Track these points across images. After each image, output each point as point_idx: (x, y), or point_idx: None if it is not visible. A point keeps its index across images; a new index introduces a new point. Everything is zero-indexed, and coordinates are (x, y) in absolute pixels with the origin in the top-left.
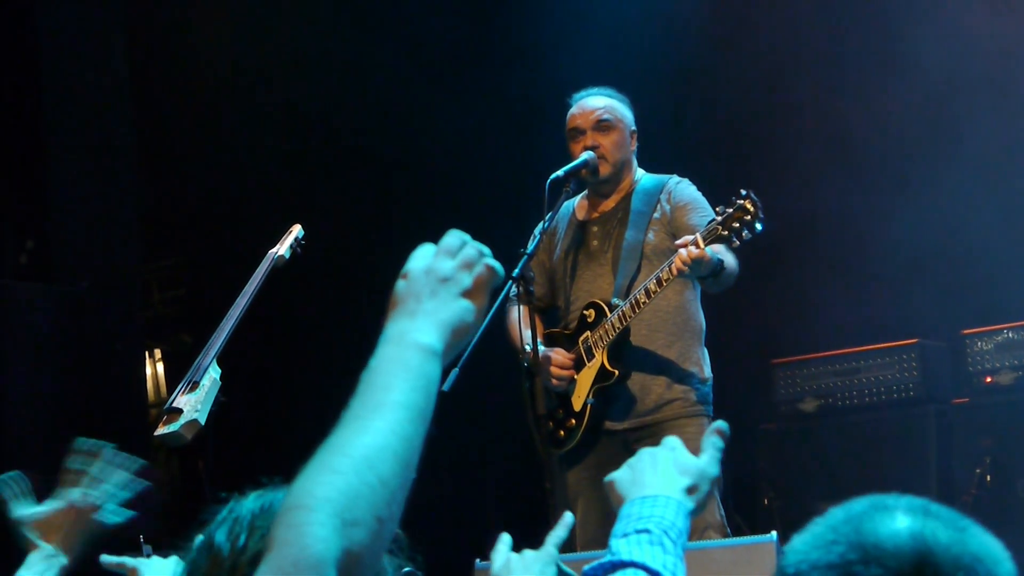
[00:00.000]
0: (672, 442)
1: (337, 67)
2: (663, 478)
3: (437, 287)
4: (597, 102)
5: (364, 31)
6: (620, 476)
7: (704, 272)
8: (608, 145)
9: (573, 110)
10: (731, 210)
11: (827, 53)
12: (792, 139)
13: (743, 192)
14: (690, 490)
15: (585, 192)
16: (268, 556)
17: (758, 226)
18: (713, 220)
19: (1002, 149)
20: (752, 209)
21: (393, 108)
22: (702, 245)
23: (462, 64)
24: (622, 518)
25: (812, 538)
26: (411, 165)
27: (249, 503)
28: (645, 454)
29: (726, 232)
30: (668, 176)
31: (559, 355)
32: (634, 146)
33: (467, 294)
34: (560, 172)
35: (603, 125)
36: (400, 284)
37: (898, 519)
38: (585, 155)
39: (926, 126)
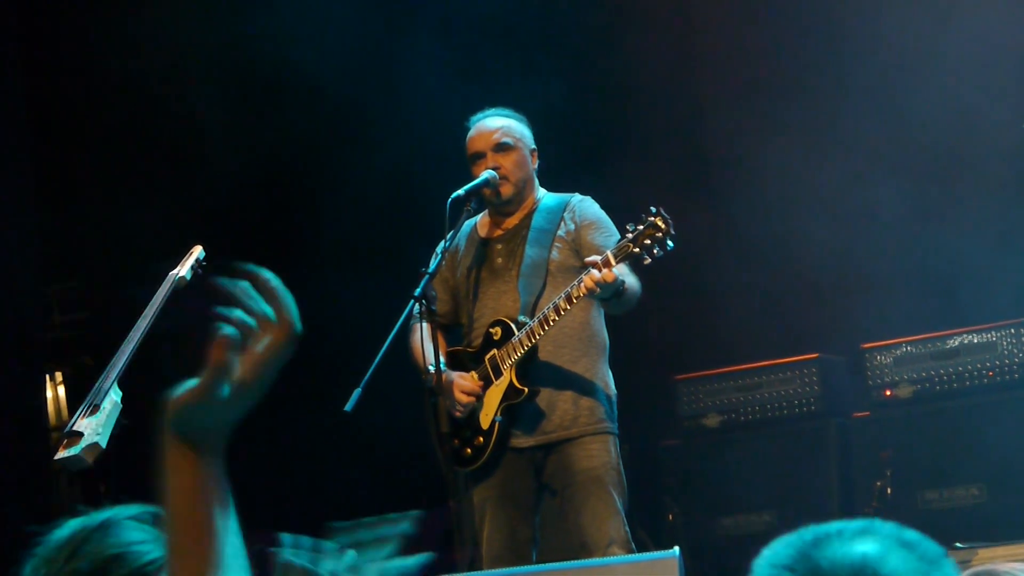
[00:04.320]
0: None
1: (237, 86)
2: None
3: None
4: (495, 123)
5: (267, 50)
6: None
7: (608, 294)
8: (509, 166)
9: (472, 133)
10: (642, 227)
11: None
12: (692, 153)
13: (653, 209)
14: None
15: (486, 210)
16: None
17: (669, 243)
18: (624, 238)
19: (897, 165)
20: (663, 226)
21: (294, 128)
22: (613, 264)
23: (360, 86)
24: None
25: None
26: (314, 186)
27: (59, 533)
28: None
29: (637, 250)
30: (571, 195)
31: (465, 379)
32: (535, 164)
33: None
34: (461, 191)
35: (502, 147)
36: None
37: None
38: (486, 174)
39: (812, 144)
